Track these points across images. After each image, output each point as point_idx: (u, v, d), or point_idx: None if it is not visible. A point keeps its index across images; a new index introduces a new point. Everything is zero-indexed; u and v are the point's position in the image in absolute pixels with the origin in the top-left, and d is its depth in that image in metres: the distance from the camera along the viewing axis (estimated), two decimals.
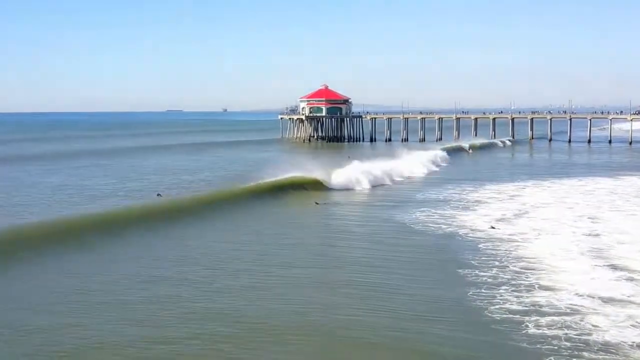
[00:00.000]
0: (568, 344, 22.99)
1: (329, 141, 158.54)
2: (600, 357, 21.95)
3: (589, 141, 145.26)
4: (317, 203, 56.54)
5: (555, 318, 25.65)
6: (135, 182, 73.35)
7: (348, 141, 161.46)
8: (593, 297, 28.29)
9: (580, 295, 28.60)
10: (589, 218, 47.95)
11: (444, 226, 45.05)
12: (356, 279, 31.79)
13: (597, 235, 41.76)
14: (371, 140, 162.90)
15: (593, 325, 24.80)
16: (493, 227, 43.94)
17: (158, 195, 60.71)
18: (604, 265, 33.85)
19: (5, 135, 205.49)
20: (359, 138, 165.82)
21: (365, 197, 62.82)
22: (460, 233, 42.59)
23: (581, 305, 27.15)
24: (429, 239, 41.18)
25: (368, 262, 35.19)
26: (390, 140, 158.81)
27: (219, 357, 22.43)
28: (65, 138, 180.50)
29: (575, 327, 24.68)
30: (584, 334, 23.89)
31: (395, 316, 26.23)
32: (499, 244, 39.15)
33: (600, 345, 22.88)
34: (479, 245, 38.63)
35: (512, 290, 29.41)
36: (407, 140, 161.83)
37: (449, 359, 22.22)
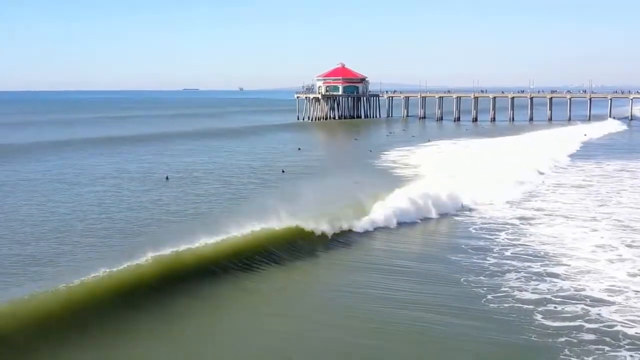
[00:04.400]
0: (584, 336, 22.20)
1: (345, 118, 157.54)
2: (619, 351, 21.10)
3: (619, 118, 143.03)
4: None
5: (570, 308, 24.86)
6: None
7: (365, 117, 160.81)
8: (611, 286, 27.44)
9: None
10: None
11: None
12: None
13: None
14: (388, 116, 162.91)
15: (606, 317, 23.95)
16: None
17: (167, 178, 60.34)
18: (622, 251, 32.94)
19: (39, 115, 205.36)
20: (375, 116, 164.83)
21: None
22: None
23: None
24: None
25: None
26: (406, 116, 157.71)
27: None
28: (104, 119, 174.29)
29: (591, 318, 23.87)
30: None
31: None
32: None
33: (619, 338, 22.03)
34: None
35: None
36: (425, 117, 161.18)
37: (456, 349, 21.48)
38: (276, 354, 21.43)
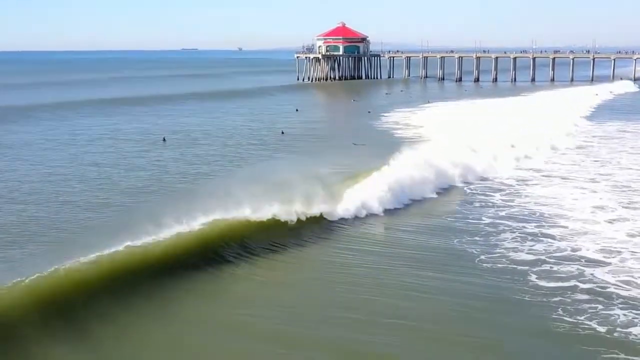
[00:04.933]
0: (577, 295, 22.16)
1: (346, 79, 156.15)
2: (612, 309, 21.05)
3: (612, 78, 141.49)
4: None
5: (565, 268, 24.79)
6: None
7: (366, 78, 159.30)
8: (605, 247, 27.36)
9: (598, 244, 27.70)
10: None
11: None
12: None
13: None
14: (389, 77, 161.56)
15: (603, 278, 23.86)
16: None
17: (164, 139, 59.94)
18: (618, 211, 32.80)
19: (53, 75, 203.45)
20: (376, 76, 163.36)
21: None
22: None
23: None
24: None
25: None
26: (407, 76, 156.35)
27: None
28: (101, 80, 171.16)
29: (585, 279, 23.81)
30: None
31: None
32: None
33: (613, 298, 21.97)
34: None
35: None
36: (427, 76, 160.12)
37: (448, 307, 21.43)
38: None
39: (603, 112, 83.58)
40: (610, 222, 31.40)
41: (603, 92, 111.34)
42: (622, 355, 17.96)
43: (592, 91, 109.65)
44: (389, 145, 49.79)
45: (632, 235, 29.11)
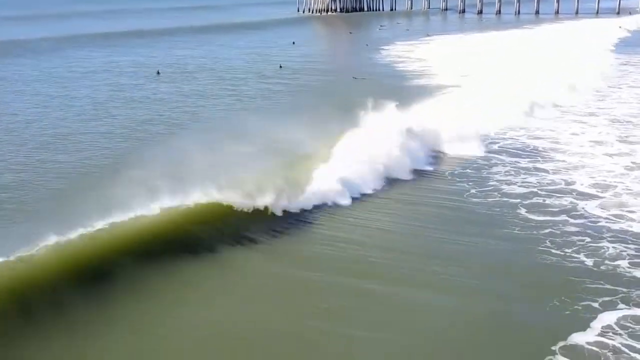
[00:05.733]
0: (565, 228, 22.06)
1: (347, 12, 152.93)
2: (600, 242, 20.96)
3: (618, 12, 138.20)
4: None
5: (557, 202, 24.63)
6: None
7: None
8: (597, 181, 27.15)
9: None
10: None
11: None
12: None
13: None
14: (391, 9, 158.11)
15: (594, 212, 23.72)
16: None
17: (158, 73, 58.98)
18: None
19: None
20: (379, 9, 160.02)
21: None
22: None
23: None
24: None
25: None
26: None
27: None
28: (95, 13, 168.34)
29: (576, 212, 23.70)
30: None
31: None
32: None
33: (602, 231, 21.83)
34: None
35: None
36: (430, 8, 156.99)
37: (436, 240, 21.39)
38: None
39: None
40: (609, 156, 31.05)
41: (618, 26, 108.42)
42: (608, 286, 17.90)
43: (608, 25, 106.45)
44: (391, 78, 49.10)
45: (631, 169, 28.81)
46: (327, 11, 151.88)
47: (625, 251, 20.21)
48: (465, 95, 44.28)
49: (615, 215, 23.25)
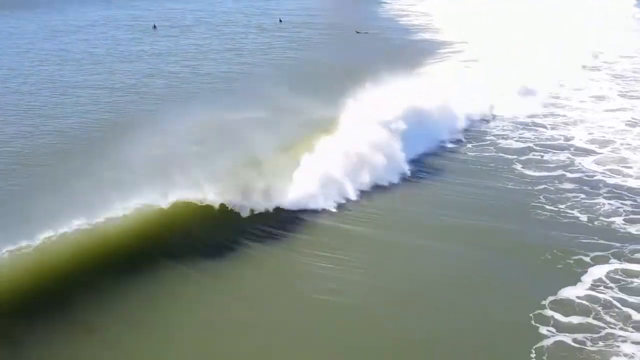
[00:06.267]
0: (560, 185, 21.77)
1: None
2: (595, 198, 20.68)
3: None
4: None
5: (554, 157, 24.28)
6: None
7: None
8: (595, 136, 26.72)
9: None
10: None
11: None
12: None
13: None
14: None
15: (591, 168, 23.38)
16: None
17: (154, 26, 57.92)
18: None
19: None
20: None
21: None
22: None
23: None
24: None
25: None
26: None
27: None
28: None
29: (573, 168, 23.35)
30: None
31: None
32: None
33: (598, 187, 21.56)
34: None
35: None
36: None
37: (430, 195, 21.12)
38: None
39: None
40: (610, 111, 30.57)
41: None
42: (602, 242, 17.66)
43: None
44: (395, 32, 47.97)
45: (631, 125, 28.35)
46: None
47: (620, 207, 19.94)
48: (472, 54, 43.12)
49: (612, 171, 22.92)
